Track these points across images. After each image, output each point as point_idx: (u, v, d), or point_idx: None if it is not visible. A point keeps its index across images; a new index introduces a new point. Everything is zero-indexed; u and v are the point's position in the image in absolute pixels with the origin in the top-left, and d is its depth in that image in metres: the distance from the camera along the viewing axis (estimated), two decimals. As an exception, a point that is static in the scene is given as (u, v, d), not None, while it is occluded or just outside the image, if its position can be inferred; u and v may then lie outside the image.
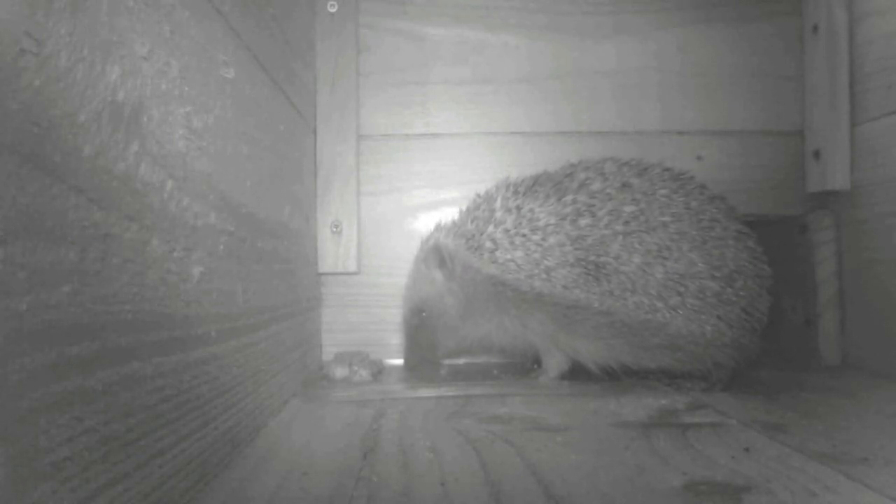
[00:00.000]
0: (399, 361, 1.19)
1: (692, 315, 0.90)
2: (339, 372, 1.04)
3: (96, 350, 0.38)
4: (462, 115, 1.21)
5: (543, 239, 0.92)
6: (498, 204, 0.98)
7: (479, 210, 1.00)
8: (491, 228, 0.96)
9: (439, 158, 1.21)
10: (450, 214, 1.07)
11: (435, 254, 0.99)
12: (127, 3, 0.43)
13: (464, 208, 1.04)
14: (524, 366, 1.11)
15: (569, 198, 0.95)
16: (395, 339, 1.19)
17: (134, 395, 0.43)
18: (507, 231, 0.95)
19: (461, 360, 1.19)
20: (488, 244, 0.95)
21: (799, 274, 1.17)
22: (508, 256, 0.93)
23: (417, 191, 1.21)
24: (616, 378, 0.99)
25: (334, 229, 1.17)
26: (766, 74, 1.21)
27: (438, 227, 1.04)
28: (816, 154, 1.15)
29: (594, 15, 1.21)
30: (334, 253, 1.17)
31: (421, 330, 1.04)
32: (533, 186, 0.99)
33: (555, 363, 1.02)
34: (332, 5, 1.18)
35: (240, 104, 0.68)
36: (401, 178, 1.21)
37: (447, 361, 1.16)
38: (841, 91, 1.10)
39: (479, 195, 1.03)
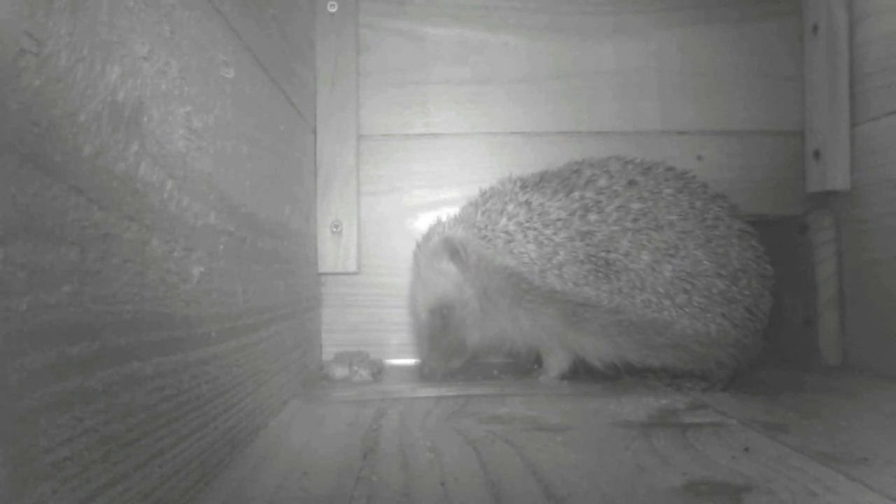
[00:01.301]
0: (399, 361, 1.19)
1: (698, 314, 0.90)
2: (339, 372, 1.04)
3: (96, 350, 0.38)
4: (462, 115, 1.21)
5: (555, 234, 0.92)
6: (508, 198, 0.97)
7: (489, 203, 0.98)
8: (504, 221, 0.95)
9: (439, 158, 1.21)
10: (450, 214, 1.06)
11: (446, 246, 0.97)
12: (127, 3, 0.43)
13: (468, 204, 1.02)
14: (524, 366, 1.11)
15: (576, 193, 0.95)
16: (396, 339, 1.19)
17: (134, 395, 0.43)
18: (520, 224, 0.94)
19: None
20: (502, 235, 0.94)
21: (799, 274, 1.17)
22: (522, 249, 0.93)
23: (417, 191, 1.21)
24: (617, 377, 1.00)
25: (334, 229, 1.17)
26: (766, 74, 1.21)
27: (439, 223, 1.02)
28: (816, 154, 1.15)
29: (594, 15, 1.21)
30: (334, 253, 1.17)
31: (446, 330, 0.99)
32: (539, 182, 0.98)
33: (556, 363, 1.02)
34: (332, 5, 1.18)
35: (240, 104, 0.68)
36: (401, 178, 1.21)
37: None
38: (841, 91, 1.11)
39: (484, 191, 1.02)
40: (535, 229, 0.93)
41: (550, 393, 0.95)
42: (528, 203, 0.96)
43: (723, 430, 0.72)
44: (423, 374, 1.03)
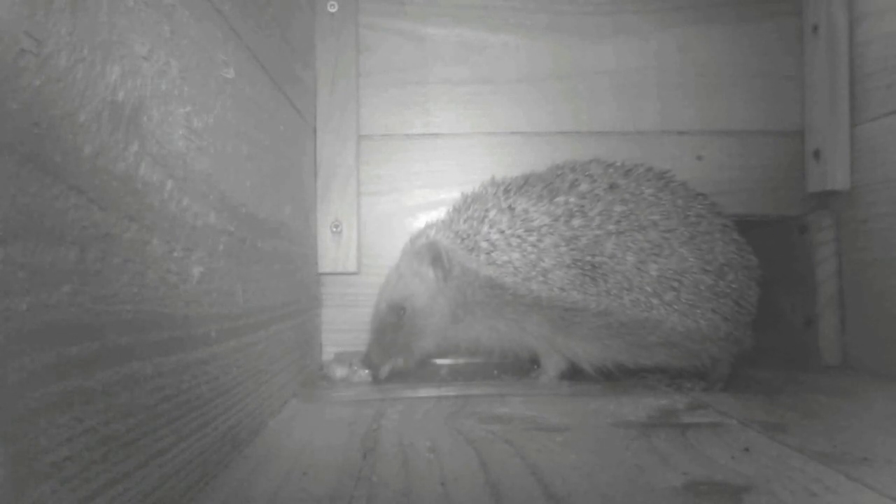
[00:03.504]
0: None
1: (687, 310, 0.91)
2: (339, 372, 1.04)
3: (96, 350, 0.38)
4: (462, 115, 1.21)
5: (539, 240, 0.92)
6: (490, 204, 0.97)
7: (471, 210, 0.97)
8: (486, 229, 0.95)
9: (439, 158, 1.21)
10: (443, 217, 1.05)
11: (430, 251, 0.96)
12: (127, 3, 0.43)
13: (452, 209, 1.02)
14: (523, 366, 1.11)
15: (560, 198, 0.95)
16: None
17: (134, 395, 0.43)
18: (502, 232, 0.94)
19: (461, 360, 1.18)
20: (484, 245, 0.94)
21: (799, 274, 1.17)
22: (506, 258, 0.92)
23: (417, 191, 1.21)
24: (614, 378, 0.99)
25: (334, 229, 1.17)
26: (766, 74, 1.21)
27: (430, 225, 1.02)
28: (816, 154, 1.15)
29: (594, 15, 1.21)
30: (334, 253, 1.17)
31: (397, 329, 0.98)
32: (523, 186, 0.98)
33: (553, 363, 1.02)
34: (332, 5, 1.18)
35: (240, 104, 0.68)
36: (401, 178, 1.21)
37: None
38: (841, 91, 1.11)
39: (466, 195, 1.02)
40: (518, 237, 0.93)
41: (550, 393, 0.95)
42: (511, 208, 0.95)
43: (723, 430, 0.72)
44: (364, 363, 1.01)
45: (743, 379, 0.99)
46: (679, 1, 1.21)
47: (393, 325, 0.98)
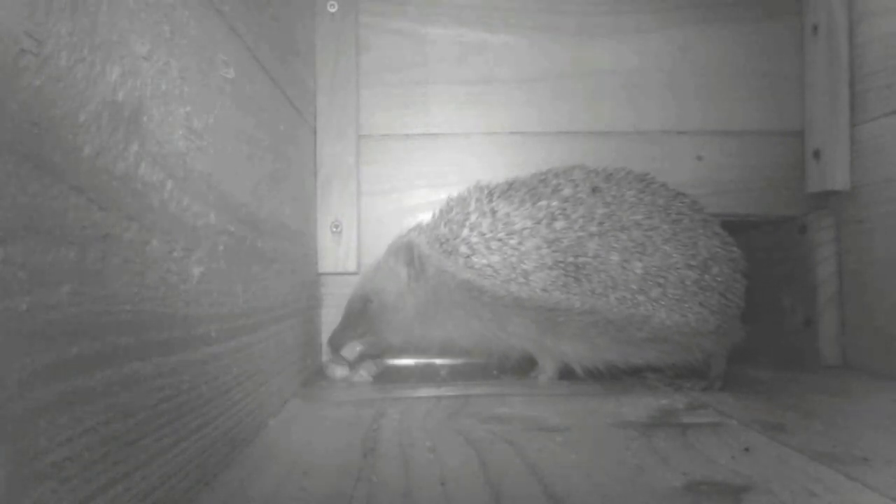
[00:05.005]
0: (400, 361, 1.19)
1: (674, 305, 0.92)
2: (339, 372, 1.05)
3: (96, 350, 0.38)
4: (462, 115, 1.21)
5: (520, 243, 0.93)
6: (472, 207, 0.98)
7: (453, 213, 0.99)
8: (466, 232, 0.96)
9: (439, 158, 1.21)
10: (433, 218, 1.06)
11: (407, 251, 0.99)
12: (127, 3, 0.43)
13: (438, 212, 1.03)
14: (523, 366, 1.11)
15: (543, 202, 0.96)
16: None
17: (134, 395, 0.43)
18: (482, 235, 0.95)
19: (461, 360, 1.18)
20: (463, 248, 0.95)
21: (799, 274, 1.17)
22: (485, 261, 0.93)
23: (417, 191, 1.21)
24: (613, 378, 1.00)
25: (334, 229, 1.17)
26: (767, 74, 1.21)
27: (413, 228, 1.04)
28: (816, 154, 1.15)
29: (594, 15, 1.21)
30: (334, 253, 1.17)
31: (360, 316, 1.03)
32: (507, 191, 0.99)
33: (551, 363, 1.02)
34: (332, 5, 1.18)
35: (240, 104, 0.68)
36: (401, 178, 1.21)
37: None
38: (841, 91, 1.11)
39: (451, 198, 1.03)
40: (499, 240, 0.94)
41: (550, 393, 0.95)
42: (493, 212, 0.96)
43: (723, 430, 0.72)
44: (329, 343, 1.06)
45: (743, 379, 0.99)
46: (679, 1, 1.21)
47: (358, 311, 1.03)
